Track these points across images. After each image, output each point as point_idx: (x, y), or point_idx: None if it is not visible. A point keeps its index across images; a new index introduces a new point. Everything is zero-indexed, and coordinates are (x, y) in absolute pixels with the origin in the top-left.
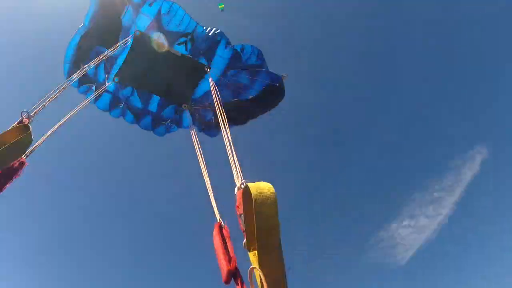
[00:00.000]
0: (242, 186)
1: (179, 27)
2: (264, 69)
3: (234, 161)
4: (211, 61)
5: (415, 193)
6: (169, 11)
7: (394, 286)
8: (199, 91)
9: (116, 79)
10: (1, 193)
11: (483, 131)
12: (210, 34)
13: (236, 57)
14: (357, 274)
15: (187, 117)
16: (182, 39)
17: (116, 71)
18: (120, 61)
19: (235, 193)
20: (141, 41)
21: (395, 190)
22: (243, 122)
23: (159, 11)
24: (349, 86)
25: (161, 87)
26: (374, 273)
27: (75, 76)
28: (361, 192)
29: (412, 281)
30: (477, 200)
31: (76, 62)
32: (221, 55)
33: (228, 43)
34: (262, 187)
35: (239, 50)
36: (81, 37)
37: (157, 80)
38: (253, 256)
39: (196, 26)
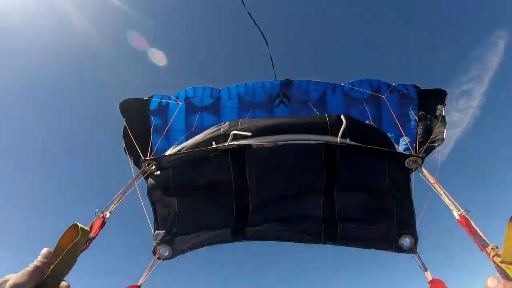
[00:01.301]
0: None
1: (254, 98)
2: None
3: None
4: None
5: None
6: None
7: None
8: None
9: None
10: None
11: (498, 14)
12: (309, 85)
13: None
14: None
15: None
16: (276, 101)
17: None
18: None
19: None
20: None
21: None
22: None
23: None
24: None
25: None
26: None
27: None
28: None
29: (458, 168)
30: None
31: None
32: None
33: (333, 88)
34: None
35: (348, 89)
36: None
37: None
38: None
39: (271, 83)
